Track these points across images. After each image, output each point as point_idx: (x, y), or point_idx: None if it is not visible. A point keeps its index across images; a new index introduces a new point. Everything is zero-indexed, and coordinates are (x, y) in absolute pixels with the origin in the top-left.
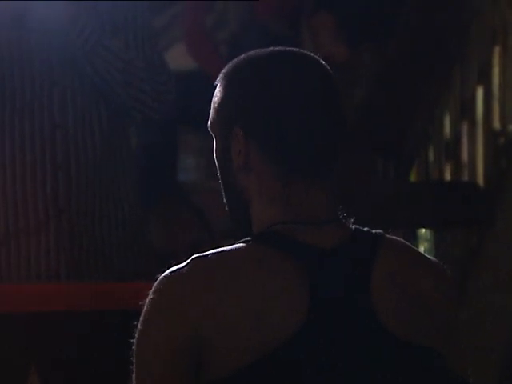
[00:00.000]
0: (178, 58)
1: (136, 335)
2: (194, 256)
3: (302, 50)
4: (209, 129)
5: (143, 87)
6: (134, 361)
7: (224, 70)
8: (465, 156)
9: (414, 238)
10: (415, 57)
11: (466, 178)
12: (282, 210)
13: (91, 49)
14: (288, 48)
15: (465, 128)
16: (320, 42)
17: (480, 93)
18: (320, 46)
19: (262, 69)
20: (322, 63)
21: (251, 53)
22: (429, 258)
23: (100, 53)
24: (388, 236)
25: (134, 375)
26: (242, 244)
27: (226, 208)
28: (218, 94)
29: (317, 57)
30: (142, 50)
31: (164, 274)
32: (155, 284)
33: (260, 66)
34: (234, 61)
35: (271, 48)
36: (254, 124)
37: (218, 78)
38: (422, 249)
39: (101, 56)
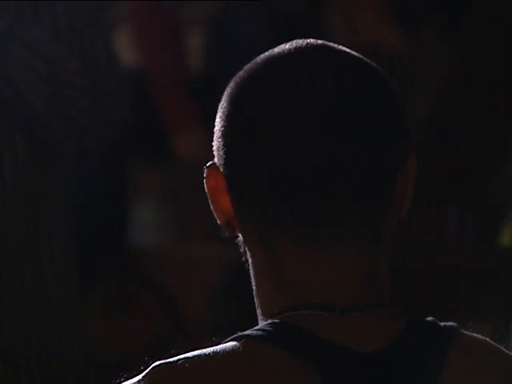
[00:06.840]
0: (123, 52)
1: None
2: (156, 363)
3: (342, 49)
4: None
5: (79, 101)
6: None
7: (229, 86)
8: None
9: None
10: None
11: None
12: (289, 287)
13: None
14: (318, 43)
15: None
16: (358, 25)
17: None
18: (357, 30)
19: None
20: (376, 70)
21: (258, 59)
22: None
23: (9, 48)
24: (465, 332)
25: None
26: (233, 343)
27: None
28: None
29: (373, 64)
30: (79, 41)
31: None
32: None
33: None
34: (241, 73)
35: (290, 45)
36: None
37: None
38: None
39: (11, 53)
